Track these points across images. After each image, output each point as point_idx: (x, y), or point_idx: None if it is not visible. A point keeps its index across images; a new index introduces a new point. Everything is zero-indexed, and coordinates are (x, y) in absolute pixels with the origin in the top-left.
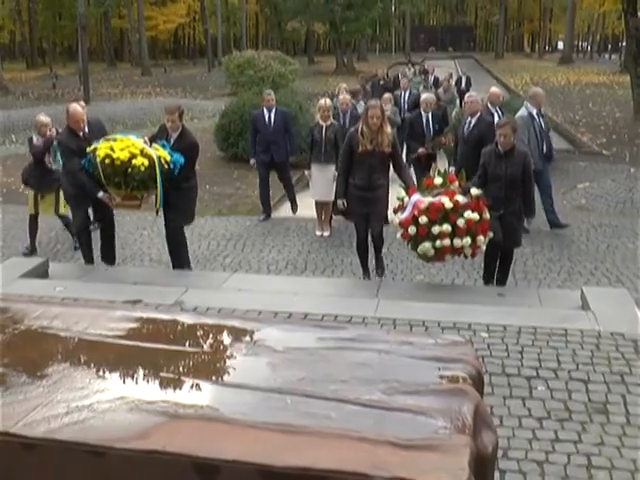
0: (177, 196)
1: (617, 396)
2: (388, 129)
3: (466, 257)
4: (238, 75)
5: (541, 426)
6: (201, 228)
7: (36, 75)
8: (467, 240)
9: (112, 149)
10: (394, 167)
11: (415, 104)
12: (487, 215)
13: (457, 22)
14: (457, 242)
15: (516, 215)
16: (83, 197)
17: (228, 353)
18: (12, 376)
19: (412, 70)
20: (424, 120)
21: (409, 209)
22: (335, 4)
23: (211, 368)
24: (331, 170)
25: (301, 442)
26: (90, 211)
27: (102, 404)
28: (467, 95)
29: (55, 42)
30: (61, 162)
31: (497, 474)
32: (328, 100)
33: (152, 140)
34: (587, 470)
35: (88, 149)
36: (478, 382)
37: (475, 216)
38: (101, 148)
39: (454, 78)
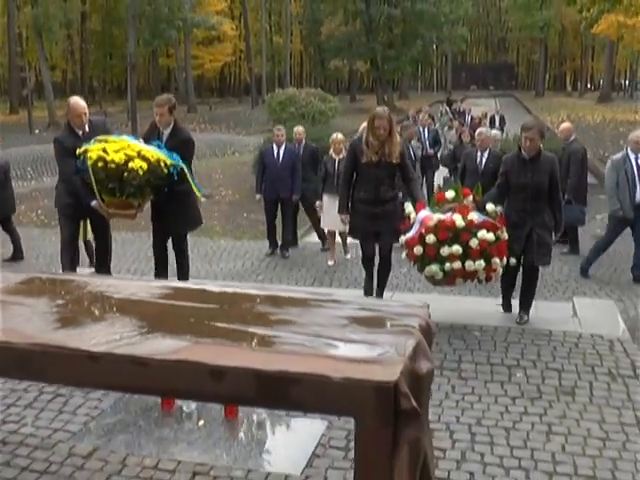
0: (173, 201)
1: (585, 382)
2: (397, 139)
3: (480, 282)
4: (280, 112)
5: (514, 403)
6: (238, 250)
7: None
8: (480, 263)
9: (105, 151)
10: (403, 179)
11: (435, 140)
12: (505, 235)
13: (499, 60)
14: (469, 265)
15: (546, 228)
16: (78, 206)
17: (242, 307)
18: (87, 319)
19: (442, 109)
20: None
21: (416, 226)
22: (376, 43)
23: (225, 316)
24: None
25: (285, 358)
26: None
27: (145, 334)
28: (478, 131)
29: (105, 81)
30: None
31: (469, 436)
32: (340, 135)
33: (145, 141)
34: (546, 436)
35: (78, 150)
36: (426, 330)
37: (490, 236)
38: (92, 150)
39: (488, 116)
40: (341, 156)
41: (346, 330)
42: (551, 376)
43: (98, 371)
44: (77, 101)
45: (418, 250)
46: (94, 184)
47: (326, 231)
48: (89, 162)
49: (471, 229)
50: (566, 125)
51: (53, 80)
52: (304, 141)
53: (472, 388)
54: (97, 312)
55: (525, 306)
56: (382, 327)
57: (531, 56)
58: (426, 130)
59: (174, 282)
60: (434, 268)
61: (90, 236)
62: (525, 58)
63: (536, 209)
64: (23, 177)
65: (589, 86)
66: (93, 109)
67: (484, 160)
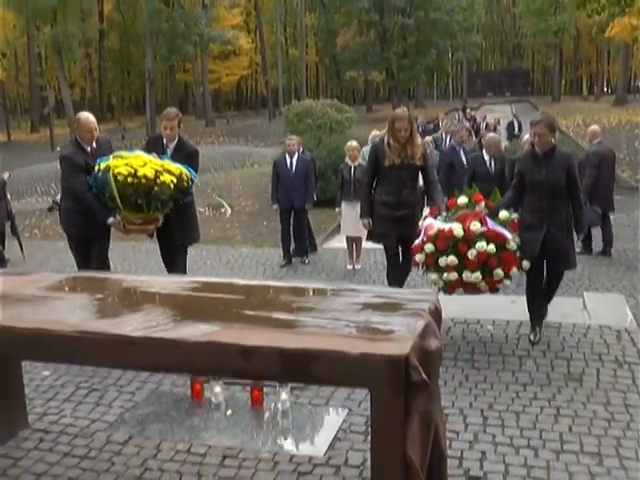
0: (176, 214)
1: (592, 369)
2: (418, 140)
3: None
4: (297, 123)
5: (524, 389)
6: (259, 257)
7: (106, 128)
8: (477, 276)
9: (131, 166)
10: (424, 181)
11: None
12: (512, 245)
13: (514, 66)
14: (467, 276)
15: (564, 229)
16: (85, 227)
17: (266, 297)
18: (124, 309)
19: (457, 116)
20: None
21: (422, 234)
22: (391, 52)
23: (251, 304)
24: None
25: (306, 337)
26: None
27: (179, 321)
28: (488, 136)
29: (123, 97)
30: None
31: (481, 420)
32: (355, 142)
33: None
34: (554, 418)
35: (97, 167)
36: (435, 314)
37: (491, 248)
38: (117, 166)
39: (505, 122)
40: (357, 163)
41: (361, 314)
42: (560, 364)
43: (137, 354)
44: (88, 117)
45: (420, 258)
46: (118, 201)
47: (345, 237)
48: (116, 178)
49: (470, 240)
50: (592, 128)
51: (72, 98)
52: (298, 153)
53: (485, 377)
54: (133, 304)
55: (539, 322)
56: (395, 310)
57: (546, 61)
58: (448, 137)
59: (202, 277)
60: (433, 277)
61: None
62: (540, 63)
63: (552, 208)
64: (47, 193)
65: (605, 90)
66: (112, 125)
67: (493, 163)
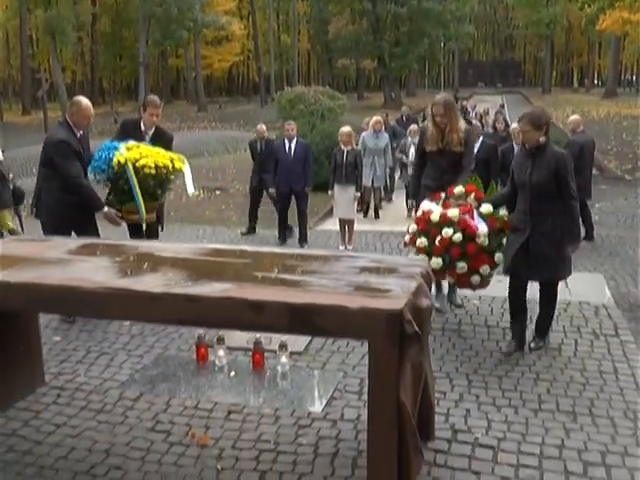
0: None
1: (571, 340)
2: (459, 125)
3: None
4: (289, 109)
5: (507, 356)
6: (253, 238)
7: (97, 112)
8: (438, 262)
9: (151, 157)
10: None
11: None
12: (482, 240)
13: (505, 57)
14: (433, 261)
15: (547, 237)
16: (69, 218)
17: (273, 261)
18: (143, 270)
19: None
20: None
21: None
22: (383, 41)
23: (260, 267)
24: (351, 190)
25: (311, 294)
26: None
27: (194, 280)
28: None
29: (115, 81)
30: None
31: (466, 382)
32: (348, 127)
33: (122, 141)
34: (534, 381)
35: (115, 159)
36: (426, 277)
37: (457, 237)
38: (137, 158)
39: (492, 113)
40: (349, 147)
41: (360, 276)
42: None
43: (158, 308)
44: (88, 102)
45: (406, 238)
46: (139, 192)
47: (337, 220)
48: (146, 170)
49: (442, 225)
50: (572, 117)
51: (64, 82)
52: (296, 138)
53: (470, 345)
54: (151, 266)
55: (539, 330)
56: (390, 273)
57: (538, 53)
58: None
59: (214, 244)
60: (411, 255)
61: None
62: (532, 55)
63: (536, 212)
64: None
65: (596, 82)
66: (104, 109)
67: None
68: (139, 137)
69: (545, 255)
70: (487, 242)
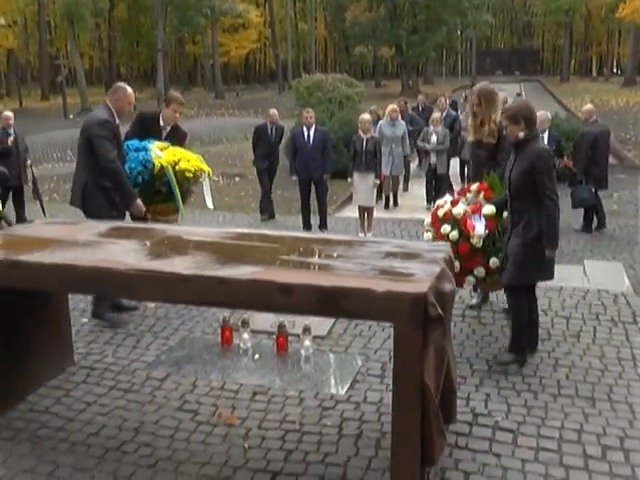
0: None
1: (590, 327)
2: (494, 116)
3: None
4: (307, 97)
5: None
6: (272, 224)
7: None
8: None
9: (182, 159)
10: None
11: (451, 126)
12: (476, 241)
13: (524, 45)
14: None
15: (519, 237)
16: (113, 207)
17: (299, 246)
18: (173, 253)
19: (464, 94)
20: None
21: None
22: (400, 28)
23: (286, 251)
24: (371, 178)
25: (338, 277)
26: None
27: (224, 263)
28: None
29: (132, 67)
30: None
31: (486, 367)
32: (367, 115)
33: (144, 137)
34: (553, 367)
35: (157, 164)
36: (449, 262)
37: (453, 234)
38: (176, 162)
39: (509, 101)
40: (369, 135)
41: (385, 260)
42: (559, 322)
43: (189, 289)
44: (131, 90)
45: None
46: (179, 194)
47: (357, 207)
48: (187, 174)
49: (444, 222)
50: (586, 107)
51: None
52: (315, 125)
53: (490, 331)
54: (179, 248)
55: (511, 346)
56: (414, 258)
57: (556, 41)
58: (443, 114)
59: (239, 229)
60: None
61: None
62: (550, 43)
63: (516, 211)
64: (63, 159)
65: (615, 71)
66: None
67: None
68: (157, 132)
69: (513, 256)
70: (480, 244)
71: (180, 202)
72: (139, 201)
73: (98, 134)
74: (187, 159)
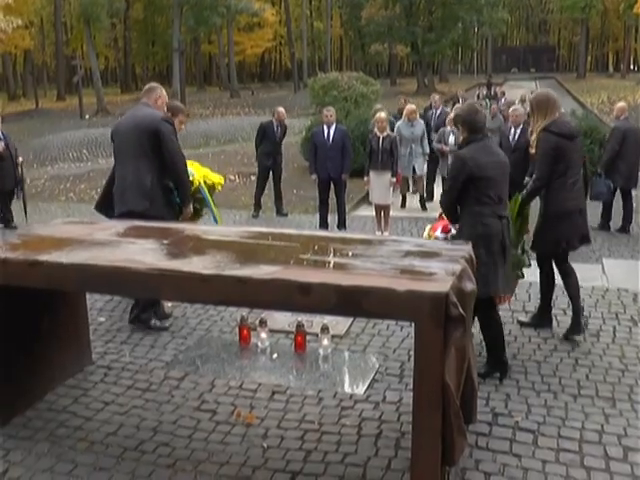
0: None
1: (609, 327)
2: (538, 124)
3: None
4: (323, 95)
5: (545, 342)
6: (290, 222)
7: (130, 98)
8: None
9: (207, 174)
10: None
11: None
12: None
13: (539, 42)
14: None
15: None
16: (169, 210)
17: (318, 245)
18: (192, 252)
19: (478, 92)
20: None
21: None
22: (416, 26)
23: (305, 250)
24: (387, 176)
25: (358, 276)
26: None
27: (242, 262)
28: (512, 108)
29: (147, 67)
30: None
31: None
32: (384, 113)
33: None
34: (573, 367)
35: (196, 182)
36: (470, 261)
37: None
38: (204, 177)
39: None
40: (385, 134)
41: (405, 259)
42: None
43: (208, 289)
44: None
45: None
46: (214, 207)
47: (373, 205)
48: (218, 188)
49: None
50: (619, 104)
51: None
52: (335, 124)
53: (509, 331)
54: (198, 248)
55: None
56: (434, 257)
57: (572, 37)
58: (437, 112)
59: (257, 228)
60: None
61: None
62: (566, 40)
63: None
64: (79, 159)
65: (632, 67)
66: (136, 95)
67: (516, 136)
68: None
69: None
70: None
71: (217, 216)
72: (191, 206)
73: (167, 134)
74: (205, 172)
